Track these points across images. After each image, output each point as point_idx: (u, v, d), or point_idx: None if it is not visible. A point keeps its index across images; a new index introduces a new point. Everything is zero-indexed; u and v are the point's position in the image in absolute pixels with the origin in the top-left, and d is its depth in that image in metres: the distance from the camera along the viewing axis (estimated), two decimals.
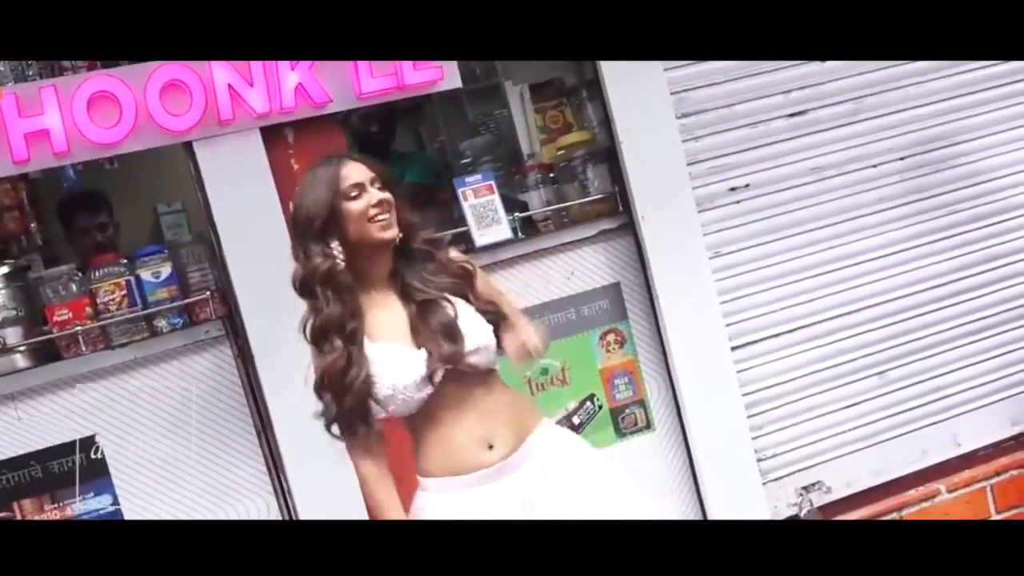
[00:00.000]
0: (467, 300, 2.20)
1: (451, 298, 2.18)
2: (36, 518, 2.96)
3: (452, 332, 2.13)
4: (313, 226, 2.13)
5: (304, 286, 2.17)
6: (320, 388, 2.13)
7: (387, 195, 2.15)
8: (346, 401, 2.10)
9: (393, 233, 2.15)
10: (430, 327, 2.13)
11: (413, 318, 2.16)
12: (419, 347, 2.13)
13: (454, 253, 2.29)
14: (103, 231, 3.60)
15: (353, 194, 2.13)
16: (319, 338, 2.12)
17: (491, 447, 2.16)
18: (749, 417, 3.52)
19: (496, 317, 2.24)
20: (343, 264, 2.12)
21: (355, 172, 2.15)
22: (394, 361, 2.12)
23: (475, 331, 2.16)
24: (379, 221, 2.13)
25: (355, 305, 2.15)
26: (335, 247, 2.12)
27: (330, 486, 2.98)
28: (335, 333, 2.10)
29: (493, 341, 2.20)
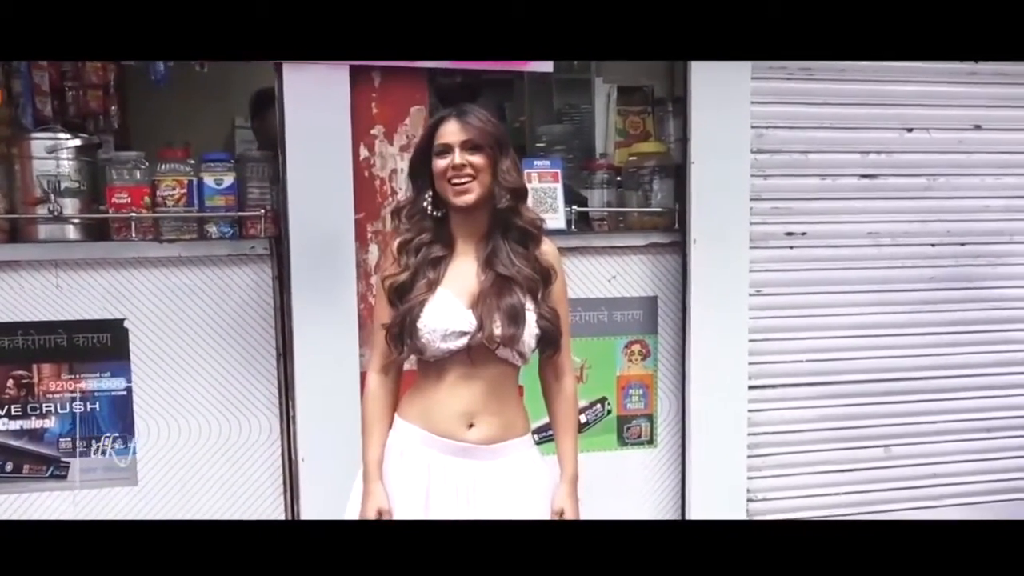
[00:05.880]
0: (534, 297, 2.23)
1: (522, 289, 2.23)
2: (51, 384, 3.05)
3: (516, 317, 2.18)
4: (412, 166, 2.31)
5: (396, 211, 2.36)
6: (386, 292, 2.25)
7: (475, 159, 2.17)
8: (402, 311, 2.20)
9: (467, 199, 2.17)
10: (497, 302, 2.18)
11: (483, 284, 2.21)
12: (473, 311, 2.18)
13: (547, 248, 2.30)
14: None
15: (440, 151, 2.20)
16: (399, 251, 2.26)
17: (471, 426, 2.23)
18: (750, 457, 3.57)
19: (551, 328, 2.26)
20: (435, 212, 2.24)
21: (448, 132, 2.19)
22: (439, 306, 2.19)
23: (529, 326, 2.21)
24: (455, 185, 2.17)
25: (439, 239, 2.25)
26: (428, 196, 2.24)
27: (334, 420, 3.07)
28: (412, 253, 2.24)
29: (535, 343, 2.25)
